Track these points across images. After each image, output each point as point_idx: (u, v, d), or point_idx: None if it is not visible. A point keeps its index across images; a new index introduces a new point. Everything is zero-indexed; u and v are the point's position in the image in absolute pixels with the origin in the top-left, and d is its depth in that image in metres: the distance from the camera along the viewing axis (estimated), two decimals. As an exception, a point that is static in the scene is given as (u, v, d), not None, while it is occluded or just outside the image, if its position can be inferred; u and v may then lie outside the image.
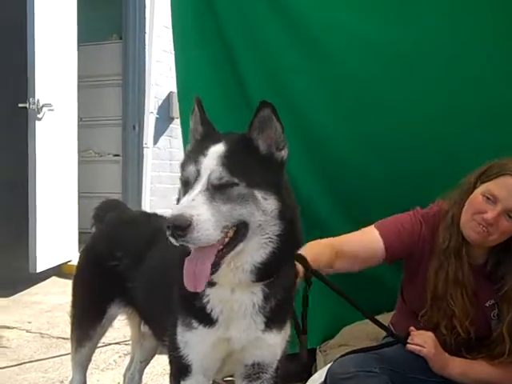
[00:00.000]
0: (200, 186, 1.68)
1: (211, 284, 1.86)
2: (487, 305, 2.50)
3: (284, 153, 1.86)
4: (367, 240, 2.56)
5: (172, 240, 1.62)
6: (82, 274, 2.66)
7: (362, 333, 3.08)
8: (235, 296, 1.88)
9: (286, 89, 3.33)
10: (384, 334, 2.68)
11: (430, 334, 2.42)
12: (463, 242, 2.44)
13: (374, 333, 2.90)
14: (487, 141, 2.89)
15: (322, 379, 2.63)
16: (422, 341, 2.40)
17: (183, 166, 1.79)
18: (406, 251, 2.57)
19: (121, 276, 2.40)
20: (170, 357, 2.03)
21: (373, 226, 2.59)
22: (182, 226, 1.58)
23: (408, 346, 2.41)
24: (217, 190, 1.68)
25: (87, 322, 2.58)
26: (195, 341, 1.92)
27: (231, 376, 2.72)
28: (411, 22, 3.06)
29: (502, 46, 2.98)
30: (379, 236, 2.54)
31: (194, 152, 1.81)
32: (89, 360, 2.70)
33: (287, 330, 2.06)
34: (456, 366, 2.42)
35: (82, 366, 2.67)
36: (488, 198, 2.34)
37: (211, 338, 1.91)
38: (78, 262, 2.70)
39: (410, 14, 3.07)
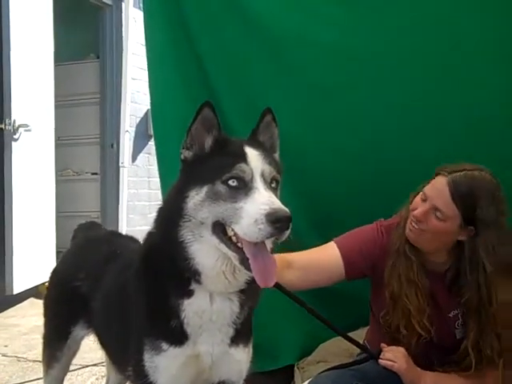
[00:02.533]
0: (260, 184, 1.74)
1: (188, 294, 1.85)
2: (451, 315, 2.52)
3: (278, 155, 1.99)
4: (324, 254, 2.59)
5: (272, 232, 1.63)
6: (49, 294, 2.67)
7: (339, 349, 3.08)
8: (215, 305, 1.87)
9: (259, 102, 3.35)
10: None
11: (401, 349, 2.43)
12: (407, 241, 2.48)
13: (350, 349, 2.90)
14: (464, 150, 2.92)
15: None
16: (394, 356, 2.40)
17: (229, 167, 1.75)
18: (367, 264, 2.59)
19: (84, 297, 2.38)
20: None
21: (333, 241, 2.61)
22: (291, 218, 1.64)
23: (380, 361, 2.42)
24: (269, 188, 1.76)
25: (54, 343, 2.59)
26: (165, 364, 1.88)
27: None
28: (372, 26, 3.10)
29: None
30: (338, 253, 2.56)
31: (232, 155, 1.80)
32: (60, 382, 2.67)
33: (251, 347, 2.05)
34: (428, 379, 2.42)
35: None
36: (422, 199, 2.40)
37: (181, 359, 1.89)
38: (48, 283, 2.71)
39: (370, 19, 3.11)
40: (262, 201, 1.69)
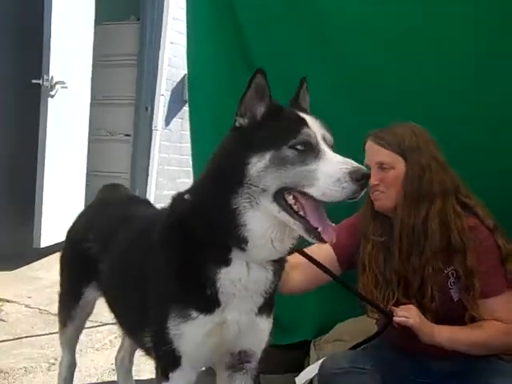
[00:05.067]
0: (325, 147, 1.78)
1: (226, 262, 1.86)
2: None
3: None
4: (317, 249, 2.45)
5: (356, 189, 1.67)
6: (64, 254, 2.71)
7: (356, 329, 3.07)
8: (252, 273, 1.89)
9: (297, 77, 3.32)
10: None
11: (412, 306, 2.39)
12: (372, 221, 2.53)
13: (367, 329, 2.89)
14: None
15: (314, 374, 2.64)
16: (406, 313, 2.37)
17: (294, 132, 1.76)
18: (355, 247, 2.57)
19: (94, 259, 2.40)
20: (156, 352, 2.00)
21: None
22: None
23: (395, 318, 2.37)
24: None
25: (68, 303, 2.63)
26: (191, 332, 1.90)
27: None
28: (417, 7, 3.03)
29: None
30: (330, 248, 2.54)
31: (292, 121, 1.83)
32: (75, 340, 2.74)
33: (272, 317, 2.07)
34: (443, 332, 2.37)
35: (68, 345, 2.73)
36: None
37: (209, 326, 1.90)
38: (64, 242, 2.74)
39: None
40: (339, 160, 1.72)
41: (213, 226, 1.85)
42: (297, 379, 2.94)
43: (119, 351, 3.02)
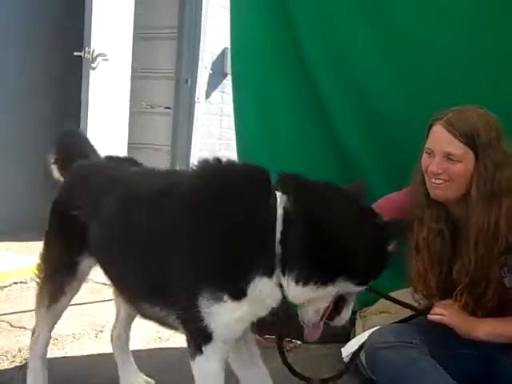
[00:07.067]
0: None
1: (267, 275, 1.88)
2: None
3: None
4: None
5: None
6: (51, 226, 2.59)
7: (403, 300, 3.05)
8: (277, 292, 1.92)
9: (343, 55, 3.28)
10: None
11: (451, 302, 2.39)
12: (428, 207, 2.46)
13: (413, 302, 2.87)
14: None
15: (360, 345, 2.63)
16: (443, 310, 2.37)
17: None
18: None
19: (85, 226, 2.34)
20: (187, 327, 2.01)
21: None
22: None
23: (429, 316, 2.39)
24: None
25: (61, 278, 2.50)
26: (221, 312, 1.90)
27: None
28: None
29: None
30: None
31: None
32: (60, 316, 2.61)
33: None
34: (484, 326, 2.36)
35: (52, 322, 2.60)
36: (428, 154, 2.38)
37: (240, 312, 1.92)
38: (49, 215, 2.60)
39: None
40: None
41: (295, 245, 1.83)
42: (343, 350, 2.95)
43: (114, 328, 2.84)
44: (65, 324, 3.55)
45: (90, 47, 5.50)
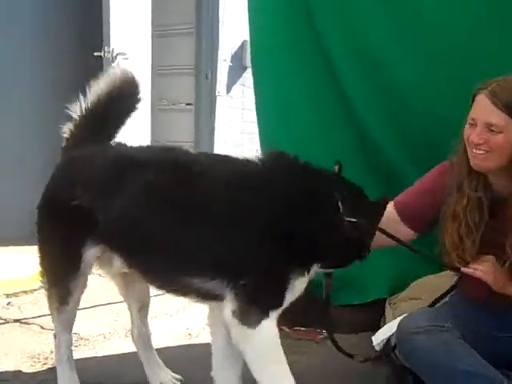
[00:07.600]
0: None
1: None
2: None
3: None
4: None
5: None
6: (44, 225, 2.45)
7: (433, 286, 3.00)
8: None
9: (366, 46, 3.25)
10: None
11: (488, 257, 2.33)
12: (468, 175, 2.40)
13: (444, 287, 2.84)
14: None
15: (391, 333, 2.61)
16: (478, 265, 2.32)
17: None
18: (433, 211, 2.48)
19: (90, 214, 2.24)
20: (256, 294, 2.12)
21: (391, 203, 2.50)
22: None
23: (462, 269, 2.34)
24: None
25: (65, 276, 2.39)
26: (298, 285, 2.18)
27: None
28: None
29: None
30: (393, 209, 2.50)
31: None
32: (75, 316, 2.50)
33: None
34: None
35: (68, 323, 2.50)
36: (471, 124, 2.32)
37: (305, 284, 2.22)
38: (38, 212, 2.46)
39: None
40: None
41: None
42: (373, 338, 2.94)
43: (133, 327, 2.73)
44: (95, 324, 3.60)
45: (109, 46, 5.52)
